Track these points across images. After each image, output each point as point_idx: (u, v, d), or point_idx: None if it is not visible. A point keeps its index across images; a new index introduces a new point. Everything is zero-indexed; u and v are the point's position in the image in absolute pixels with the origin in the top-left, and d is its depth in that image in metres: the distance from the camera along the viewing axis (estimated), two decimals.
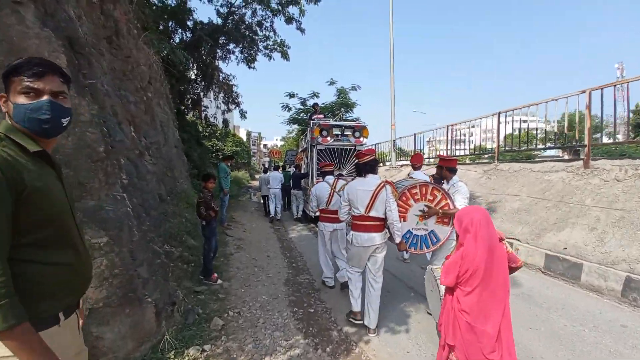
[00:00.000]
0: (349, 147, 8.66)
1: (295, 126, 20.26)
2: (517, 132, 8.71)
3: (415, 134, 11.42)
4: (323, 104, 17.38)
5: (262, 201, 11.60)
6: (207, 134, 22.81)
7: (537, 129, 7.94)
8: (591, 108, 5.56)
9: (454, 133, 9.69)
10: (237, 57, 13.88)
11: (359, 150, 4.10)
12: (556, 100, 6.15)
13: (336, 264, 4.51)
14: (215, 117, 14.56)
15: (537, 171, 6.11)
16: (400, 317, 3.51)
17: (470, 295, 1.93)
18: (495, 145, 7.35)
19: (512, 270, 2.02)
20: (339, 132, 8.64)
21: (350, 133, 8.74)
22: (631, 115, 15.43)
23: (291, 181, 10.76)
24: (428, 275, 2.87)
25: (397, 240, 3.08)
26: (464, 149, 10.27)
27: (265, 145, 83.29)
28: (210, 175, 4.76)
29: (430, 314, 3.27)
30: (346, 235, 4.21)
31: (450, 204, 3.30)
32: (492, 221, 2.03)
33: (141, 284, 2.42)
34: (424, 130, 11.37)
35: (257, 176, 32.84)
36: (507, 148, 8.44)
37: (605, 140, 8.12)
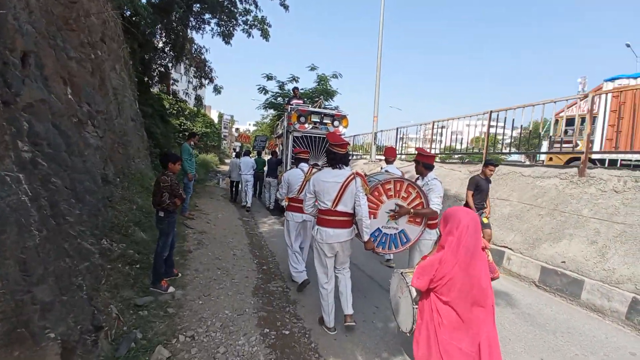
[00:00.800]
0: (326, 137, 8.19)
1: (271, 111, 19.25)
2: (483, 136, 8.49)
3: (397, 128, 10.95)
4: (302, 89, 16.49)
5: (229, 187, 10.89)
6: (174, 111, 21.19)
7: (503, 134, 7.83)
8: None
9: (436, 130, 9.31)
10: (212, 29, 12.56)
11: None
12: (555, 102, 5.84)
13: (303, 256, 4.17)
14: (187, 93, 13.17)
15: (527, 176, 5.81)
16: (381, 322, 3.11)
17: (447, 306, 1.79)
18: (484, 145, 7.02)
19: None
20: (318, 120, 8.14)
21: (329, 121, 8.25)
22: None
23: (265, 168, 10.05)
24: (397, 279, 2.52)
25: (365, 238, 2.84)
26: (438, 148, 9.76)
27: (237, 130, 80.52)
28: (175, 156, 3.82)
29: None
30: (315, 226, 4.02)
31: (424, 203, 3.13)
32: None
33: (38, 312, 1.62)
34: (407, 124, 10.91)
35: (227, 160, 31.30)
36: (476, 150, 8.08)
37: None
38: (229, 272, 4.03)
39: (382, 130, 11.68)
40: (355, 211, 2.85)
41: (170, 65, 12.26)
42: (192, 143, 6.80)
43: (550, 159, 8.66)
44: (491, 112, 6.87)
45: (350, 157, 5.31)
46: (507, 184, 5.98)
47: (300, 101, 9.90)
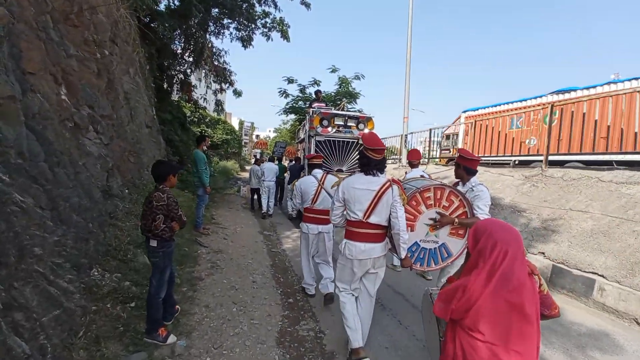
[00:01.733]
0: (351, 140, 7.67)
1: (292, 116, 18.70)
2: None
3: (431, 129, 9.99)
4: (324, 93, 15.84)
5: (249, 195, 10.43)
6: (195, 118, 21.11)
7: None
8: None
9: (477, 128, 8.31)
10: (231, 33, 12.18)
11: (368, 134, 2.88)
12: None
13: (319, 271, 3.78)
14: (205, 99, 12.71)
15: (608, 181, 4.76)
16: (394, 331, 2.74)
17: (482, 346, 1.36)
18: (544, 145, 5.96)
19: (543, 317, 1.45)
20: (342, 123, 7.62)
21: (353, 124, 7.72)
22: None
23: (287, 174, 9.50)
24: (425, 300, 2.10)
25: (402, 254, 2.49)
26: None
27: (257, 136, 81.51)
28: (176, 167, 2.94)
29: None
30: (332, 238, 3.86)
31: (467, 212, 2.77)
32: (525, 250, 1.40)
33: None
34: (440, 125, 9.95)
35: (247, 167, 31.14)
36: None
37: None
38: (246, 308, 3.21)
39: (412, 132, 10.75)
40: (391, 224, 2.47)
41: (189, 71, 11.91)
42: (204, 148, 5.99)
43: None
44: (553, 105, 5.83)
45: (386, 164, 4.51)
46: (582, 191, 4.93)
47: (323, 104, 9.44)
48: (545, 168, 5.93)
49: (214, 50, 11.35)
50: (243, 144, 42.82)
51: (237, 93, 12.02)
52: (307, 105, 10.98)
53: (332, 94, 16.14)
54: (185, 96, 19.72)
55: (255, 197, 9.55)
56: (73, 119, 3.52)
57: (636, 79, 6.85)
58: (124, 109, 5.57)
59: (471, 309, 1.39)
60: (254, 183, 9.47)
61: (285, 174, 10.76)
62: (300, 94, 16.44)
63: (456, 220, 2.73)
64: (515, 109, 9.31)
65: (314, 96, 16.00)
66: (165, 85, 11.66)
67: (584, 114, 6.89)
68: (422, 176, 4.19)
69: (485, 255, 1.38)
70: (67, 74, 3.69)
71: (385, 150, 2.73)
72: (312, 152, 7.96)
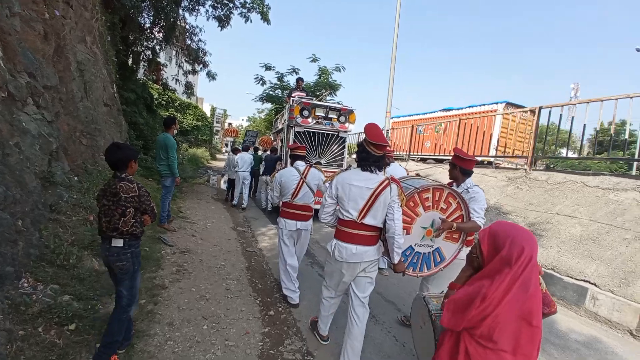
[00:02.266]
0: (331, 133, 7.50)
1: (268, 105, 17.98)
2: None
3: (413, 125, 9.79)
4: (307, 81, 15.29)
5: (220, 186, 9.97)
6: (163, 101, 19.78)
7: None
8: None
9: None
10: (207, 11, 11.26)
11: (371, 124, 2.51)
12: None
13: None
14: (177, 80, 11.68)
15: (594, 187, 4.71)
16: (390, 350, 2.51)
17: (491, 354, 1.34)
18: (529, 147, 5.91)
19: (542, 316, 1.43)
20: (323, 114, 7.37)
21: (334, 116, 7.47)
22: (593, 133, 15.89)
23: (262, 165, 9.04)
24: (417, 304, 2.05)
25: (396, 259, 2.29)
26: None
27: (230, 124, 79.00)
28: (132, 151, 2.34)
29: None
30: (310, 236, 3.65)
31: (464, 215, 2.64)
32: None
33: None
34: (423, 120, 9.75)
35: (219, 156, 29.81)
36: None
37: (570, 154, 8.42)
38: (220, 325, 2.66)
39: (393, 128, 10.51)
40: (386, 226, 2.27)
41: (158, 48, 10.88)
42: (174, 132, 5.27)
43: None
44: (541, 107, 5.76)
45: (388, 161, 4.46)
46: (567, 195, 4.87)
47: (304, 93, 9.11)
48: (529, 170, 5.86)
49: (187, 27, 10.38)
50: (215, 131, 41.13)
51: (211, 76, 11.14)
52: (287, 94, 10.46)
53: (312, 84, 15.62)
54: (152, 76, 18.38)
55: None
56: (7, 88, 2.82)
57: (495, 103, 9.36)
58: (76, 81, 4.78)
59: (488, 317, 1.34)
60: (230, 173, 8.91)
61: (259, 165, 10.26)
62: (278, 82, 15.77)
63: (454, 225, 2.56)
64: (420, 120, 12.01)
65: (294, 85, 15.53)
66: (130, 62, 10.60)
67: (458, 126, 8.84)
68: (418, 175, 4.02)
69: (510, 262, 1.32)
70: (4, 33, 2.97)
71: (388, 147, 2.50)
72: (291, 142, 7.51)
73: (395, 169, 4.43)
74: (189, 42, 10.25)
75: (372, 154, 2.27)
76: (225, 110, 58.56)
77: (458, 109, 10.97)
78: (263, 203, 8.49)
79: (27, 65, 3.13)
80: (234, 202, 8.27)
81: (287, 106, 7.88)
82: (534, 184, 5.52)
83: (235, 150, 9.34)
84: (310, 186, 3.42)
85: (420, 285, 3.06)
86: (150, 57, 10.84)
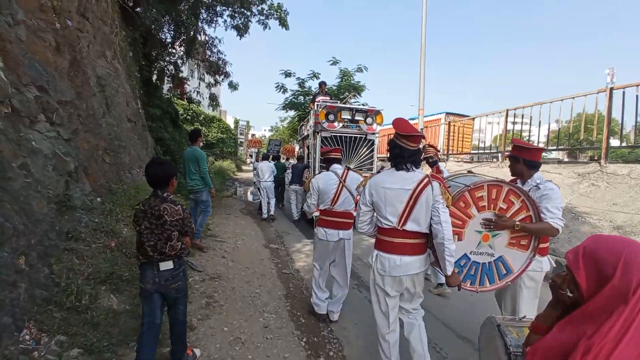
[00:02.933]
0: (359, 136, 7.25)
1: (291, 112, 17.73)
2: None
3: (449, 122, 9.04)
4: (329, 85, 14.87)
5: (246, 198, 10.03)
6: (189, 116, 20.08)
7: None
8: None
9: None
10: (225, 21, 11.16)
11: (398, 119, 2.25)
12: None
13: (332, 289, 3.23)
14: (199, 92, 11.59)
15: None
16: None
17: None
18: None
19: None
20: (349, 117, 7.12)
21: (361, 118, 7.19)
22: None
23: (288, 174, 8.98)
24: (489, 332, 1.52)
25: (449, 270, 1.95)
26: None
27: (253, 135, 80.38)
28: (173, 167, 2.19)
29: None
30: (352, 246, 3.25)
31: (533, 217, 2.19)
32: None
33: None
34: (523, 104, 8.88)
35: (245, 167, 29.97)
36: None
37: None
38: None
39: (428, 127, 9.79)
40: (433, 231, 2.01)
41: (180, 62, 10.86)
42: (201, 145, 5.08)
43: None
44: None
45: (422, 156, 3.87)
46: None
47: (328, 97, 8.86)
48: (605, 164, 5.00)
49: (207, 38, 10.28)
50: (239, 143, 41.73)
51: (233, 86, 10.97)
52: (311, 100, 10.16)
53: (334, 87, 15.18)
54: (177, 92, 18.64)
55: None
56: (10, 103, 2.51)
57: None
58: (97, 97, 4.55)
59: None
60: (259, 184, 8.59)
61: (286, 172, 10.07)
62: (299, 88, 15.46)
63: (517, 223, 2.13)
64: None
65: (316, 90, 15.15)
66: (154, 79, 10.60)
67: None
68: (470, 172, 3.41)
69: (627, 294, 0.93)
70: (4, 40, 2.68)
71: (423, 139, 2.22)
72: (318, 148, 7.23)
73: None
74: (209, 53, 10.13)
75: (407, 148, 2.01)
76: (248, 122, 59.53)
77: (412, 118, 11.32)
78: (295, 215, 8.10)
79: (35, 78, 2.84)
80: (264, 216, 7.96)
81: (311, 111, 7.66)
82: (613, 180, 4.67)
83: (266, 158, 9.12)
84: (350, 190, 3.13)
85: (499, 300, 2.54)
86: (173, 71, 10.81)
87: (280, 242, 5.75)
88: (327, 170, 3.32)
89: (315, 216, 3.37)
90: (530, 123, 7.77)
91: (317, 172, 7.24)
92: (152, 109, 8.91)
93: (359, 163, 7.42)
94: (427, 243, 2.10)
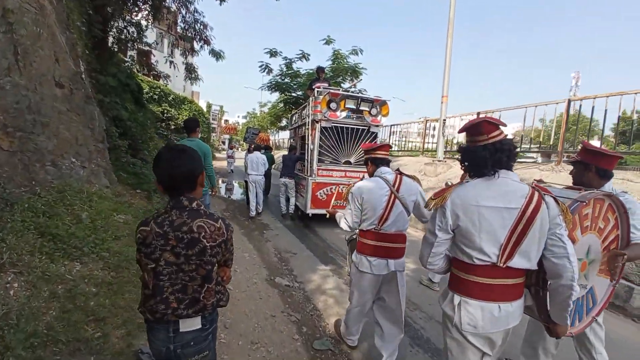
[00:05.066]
0: (362, 128, 6.65)
1: (274, 97, 16.03)
2: None
3: (478, 113, 7.76)
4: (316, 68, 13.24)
5: (245, 194, 8.71)
6: (155, 95, 17.60)
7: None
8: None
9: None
10: None
11: (485, 118, 1.51)
12: None
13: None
14: (172, 62, 9.23)
15: None
16: None
17: None
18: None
19: None
20: (353, 106, 6.46)
21: (366, 109, 6.51)
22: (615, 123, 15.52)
23: (280, 165, 8.30)
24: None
25: (566, 320, 1.48)
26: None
27: (226, 121, 76.67)
28: (199, 159, 1.32)
29: None
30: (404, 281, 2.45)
31: (620, 237, 1.85)
32: None
33: None
34: (495, 108, 7.76)
35: (218, 155, 27.59)
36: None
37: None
38: None
39: (453, 116, 8.46)
40: (549, 267, 1.43)
41: (145, 23, 8.71)
42: (199, 137, 4.29)
43: None
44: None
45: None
46: None
47: (326, 84, 7.99)
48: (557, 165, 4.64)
49: None
50: (211, 129, 38.93)
51: (217, 55, 8.91)
52: (307, 87, 9.24)
53: (327, 70, 13.60)
54: (143, 68, 16.07)
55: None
56: None
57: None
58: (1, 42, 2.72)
59: None
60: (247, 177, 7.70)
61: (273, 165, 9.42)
62: (286, 69, 13.74)
63: (626, 256, 1.76)
64: None
65: (305, 71, 13.53)
66: (110, 41, 8.40)
67: None
68: (541, 181, 2.48)
69: None
70: None
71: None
72: (317, 140, 6.47)
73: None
74: (183, 13, 8.07)
75: (506, 146, 1.45)
76: (221, 107, 56.13)
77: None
78: (283, 209, 7.49)
79: None
80: (252, 214, 7.10)
81: (310, 98, 6.90)
82: None
83: (250, 149, 8.11)
84: (406, 204, 2.33)
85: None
86: (135, 35, 8.66)
87: (289, 272, 4.00)
88: (372, 174, 2.47)
89: (350, 237, 2.70)
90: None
91: (314, 164, 6.51)
92: (104, 78, 6.87)
93: (359, 158, 6.78)
94: (524, 283, 1.56)
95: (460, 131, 1.62)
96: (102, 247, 2.52)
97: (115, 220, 3.11)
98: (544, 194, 1.45)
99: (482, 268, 1.45)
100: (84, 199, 3.09)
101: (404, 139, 13.01)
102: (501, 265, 1.41)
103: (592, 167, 2.01)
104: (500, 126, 1.49)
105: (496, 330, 1.46)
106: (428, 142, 10.25)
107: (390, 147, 2.75)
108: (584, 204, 1.63)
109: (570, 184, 2.05)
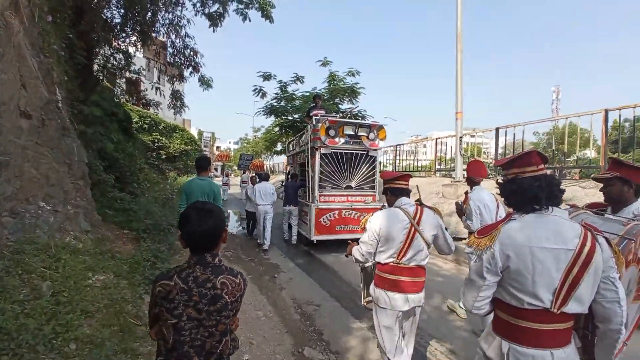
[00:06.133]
0: (360, 152, 6.80)
1: (268, 123, 15.66)
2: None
3: (497, 128, 7.26)
4: (318, 90, 12.95)
5: (245, 223, 8.64)
6: (145, 124, 17.03)
7: None
8: None
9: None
10: (194, 4, 8.76)
11: (535, 149, 1.52)
12: None
13: None
14: (159, 89, 8.65)
15: None
16: None
17: None
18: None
19: None
20: (352, 132, 6.60)
21: (364, 134, 6.67)
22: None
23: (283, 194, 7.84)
24: None
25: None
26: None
27: (218, 148, 76.31)
28: (222, 215, 1.38)
29: None
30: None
31: None
32: None
33: None
34: (512, 123, 7.28)
35: (217, 181, 26.79)
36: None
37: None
38: None
39: (473, 132, 8.01)
40: (600, 312, 1.38)
41: (133, 50, 8.22)
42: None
43: None
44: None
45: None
46: None
47: (323, 111, 8.30)
48: None
49: (172, 17, 7.77)
50: None
51: (206, 82, 8.41)
52: (305, 115, 9.50)
53: (323, 91, 13.28)
54: (132, 97, 15.60)
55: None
56: None
57: None
58: None
59: None
60: (250, 206, 7.80)
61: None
62: (281, 92, 13.40)
63: None
64: None
65: (299, 98, 13.21)
66: (95, 68, 7.85)
67: None
68: (575, 206, 2.28)
69: None
70: None
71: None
72: (317, 167, 6.51)
73: (480, 195, 3.33)
74: (172, 37, 7.59)
75: (533, 176, 1.41)
76: (213, 134, 55.77)
77: None
78: (285, 235, 7.51)
79: None
80: (265, 247, 6.87)
81: (308, 126, 7.02)
82: None
83: (253, 180, 8.16)
84: (426, 238, 2.22)
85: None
86: (123, 62, 8.14)
87: (316, 334, 3.17)
88: (391, 205, 2.42)
89: (363, 265, 2.61)
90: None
91: (316, 191, 6.52)
92: (88, 108, 6.24)
93: (361, 181, 6.91)
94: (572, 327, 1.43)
95: (504, 164, 1.52)
96: (66, 338, 1.79)
97: (89, 285, 2.37)
98: (596, 234, 1.36)
99: (533, 313, 1.36)
100: (50, 259, 2.37)
101: (412, 157, 12.71)
102: (555, 311, 1.33)
103: (632, 184, 1.95)
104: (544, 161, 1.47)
105: None
106: (424, 159, 9.96)
107: (411, 176, 2.79)
108: (633, 241, 1.58)
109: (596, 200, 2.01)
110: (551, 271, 1.32)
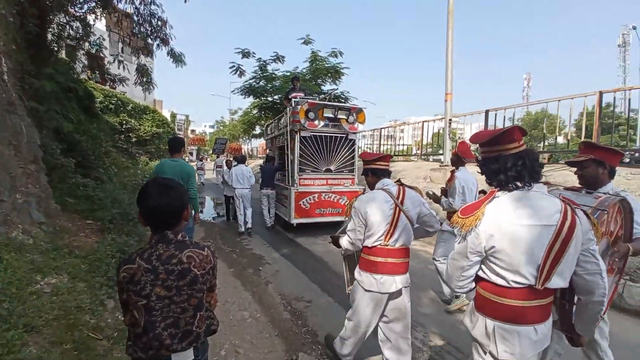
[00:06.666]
0: (340, 135, 6.81)
1: (245, 104, 14.98)
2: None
3: (487, 111, 7.12)
4: (300, 71, 12.43)
5: (224, 206, 8.47)
6: (111, 104, 15.80)
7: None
8: None
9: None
10: None
11: (517, 126, 1.48)
12: None
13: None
14: (122, 62, 7.75)
15: None
16: None
17: None
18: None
19: None
20: (331, 115, 6.58)
21: (344, 117, 6.65)
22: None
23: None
24: None
25: (595, 333, 1.74)
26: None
27: (192, 131, 73.50)
28: (184, 190, 1.39)
29: None
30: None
31: (622, 235, 1.93)
32: None
33: None
34: (504, 105, 7.19)
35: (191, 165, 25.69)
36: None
37: None
38: None
39: (463, 116, 7.88)
40: (582, 285, 1.42)
41: (93, 18, 7.30)
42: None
43: None
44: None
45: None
46: None
47: (302, 93, 8.32)
48: None
49: None
50: None
51: (177, 58, 7.65)
52: (284, 97, 9.21)
53: (304, 71, 12.72)
54: (95, 74, 14.40)
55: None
56: None
57: None
58: None
59: None
60: (227, 189, 7.73)
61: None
62: (261, 72, 12.72)
63: (630, 248, 1.83)
64: None
65: (271, 66, 12.65)
66: (49, 38, 6.92)
67: None
68: (548, 183, 2.12)
69: None
70: None
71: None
72: (297, 150, 6.51)
73: (466, 176, 3.39)
74: (137, 4, 6.74)
75: (508, 154, 1.40)
76: (187, 116, 53.35)
77: None
78: (267, 222, 7.34)
79: None
80: (241, 229, 6.85)
81: (287, 109, 6.95)
82: None
83: (229, 163, 8.02)
84: (410, 217, 2.24)
85: None
86: (81, 32, 7.24)
87: (310, 335, 2.90)
88: (373, 186, 2.38)
89: (348, 253, 2.53)
90: None
91: (296, 175, 6.50)
92: (39, 81, 5.47)
93: (340, 165, 6.92)
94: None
95: (486, 142, 1.46)
96: None
97: (35, 292, 1.93)
98: (575, 208, 1.40)
99: (518, 291, 1.39)
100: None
101: (391, 141, 12.56)
102: (539, 287, 1.36)
103: (607, 166, 2.00)
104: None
105: (533, 354, 1.41)
106: (401, 145, 9.83)
107: (391, 157, 2.99)
108: (605, 212, 1.67)
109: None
110: (535, 248, 1.33)
